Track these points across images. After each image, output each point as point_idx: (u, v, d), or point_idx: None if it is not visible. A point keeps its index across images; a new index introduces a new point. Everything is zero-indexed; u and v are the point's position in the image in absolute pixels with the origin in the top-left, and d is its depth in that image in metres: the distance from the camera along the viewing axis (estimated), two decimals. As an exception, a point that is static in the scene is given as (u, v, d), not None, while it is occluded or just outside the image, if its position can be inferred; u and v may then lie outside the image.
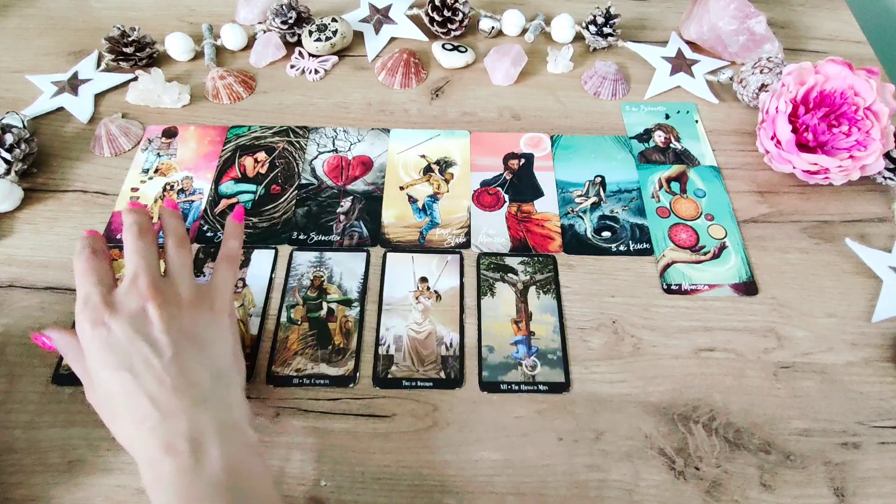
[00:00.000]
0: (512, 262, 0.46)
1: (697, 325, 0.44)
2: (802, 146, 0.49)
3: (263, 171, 0.52)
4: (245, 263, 0.46)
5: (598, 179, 0.52)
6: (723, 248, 0.48)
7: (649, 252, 0.47)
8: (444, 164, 0.53)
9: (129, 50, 0.59)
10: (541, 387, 0.40)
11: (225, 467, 0.30)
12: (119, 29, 0.58)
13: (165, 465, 0.30)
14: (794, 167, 0.49)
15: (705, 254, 0.47)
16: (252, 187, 0.51)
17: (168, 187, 0.51)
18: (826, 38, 0.66)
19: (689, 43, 0.64)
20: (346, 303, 0.44)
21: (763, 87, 0.55)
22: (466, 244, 0.48)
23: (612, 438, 0.39)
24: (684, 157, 0.54)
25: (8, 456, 0.37)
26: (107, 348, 0.32)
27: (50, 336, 0.36)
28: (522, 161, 0.53)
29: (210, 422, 0.31)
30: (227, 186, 0.51)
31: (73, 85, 0.58)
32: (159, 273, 0.36)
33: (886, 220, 0.50)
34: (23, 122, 0.52)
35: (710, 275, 0.46)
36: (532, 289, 0.45)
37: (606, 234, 0.48)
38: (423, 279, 0.46)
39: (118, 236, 0.47)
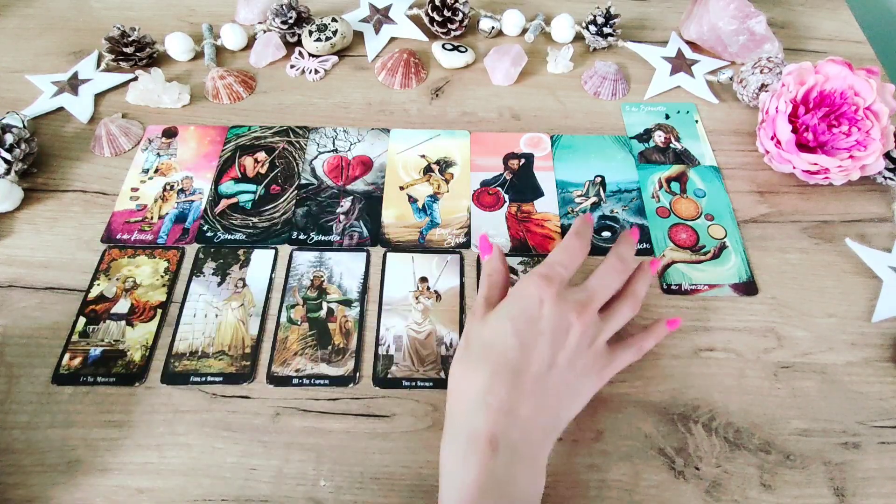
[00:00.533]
0: (512, 262, 0.46)
1: (697, 325, 0.44)
2: (802, 146, 0.49)
3: (263, 171, 0.52)
4: (245, 263, 0.46)
5: (598, 179, 0.52)
6: (723, 248, 0.48)
7: (649, 252, 0.47)
8: (444, 164, 0.53)
9: (129, 50, 0.59)
10: (541, 387, 0.40)
11: (519, 493, 0.31)
12: (119, 29, 0.58)
13: (479, 451, 0.30)
14: (794, 167, 0.49)
15: (705, 254, 0.47)
16: (252, 187, 0.51)
17: (168, 187, 0.51)
18: (826, 38, 0.66)
19: (689, 43, 0.64)
20: (346, 303, 0.44)
21: (763, 87, 0.55)
22: (466, 244, 0.48)
23: (612, 438, 0.38)
24: (684, 157, 0.54)
25: (7, 456, 0.37)
26: (526, 315, 0.34)
27: (496, 252, 0.39)
28: (522, 161, 0.53)
29: (527, 448, 0.32)
30: (227, 186, 0.51)
31: (73, 85, 0.58)
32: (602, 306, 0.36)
33: (886, 220, 0.50)
34: (23, 122, 0.52)
35: (710, 275, 0.46)
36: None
37: (606, 234, 0.48)
38: (423, 279, 0.46)
39: (117, 236, 0.47)
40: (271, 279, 0.46)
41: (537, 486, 0.32)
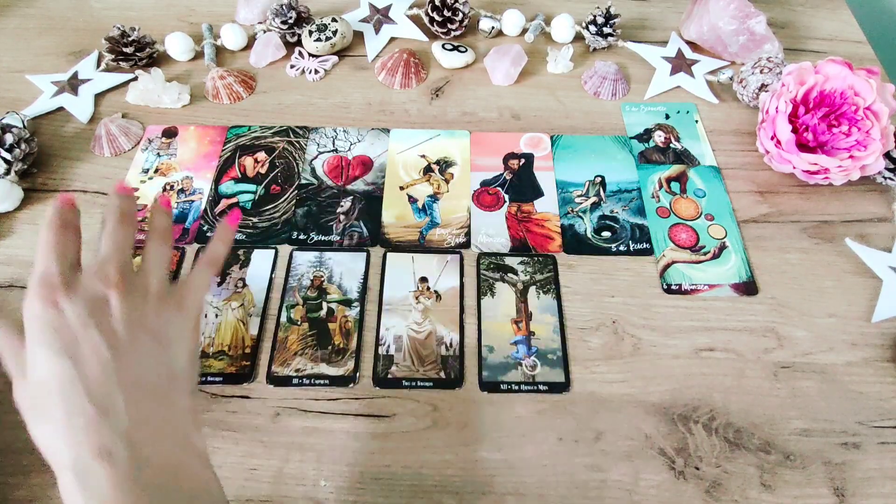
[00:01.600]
0: (512, 262, 0.46)
1: (697, 325, 0.44)
2: (802, 146, 0.49)
3: (263, 171, 0.52)
4: (245, 263, 0.46)
5: (598, 179, 0.52)
6: (723, 248, 0.48)
7: (649, 252, 0.47)
8: (444, 164, 0.53)
9: (129, 50, 0.58)
10: (541, 387, 0.40)
11: (164, 466, 0.27)
12: (119, 29, 0.58)
13: (98, 472, 0.26)
14: (794, 167, 0.49)
15: (705, 254, 0.47)
16: (252, 187, 0.51)
17: (168, 187, 0.51)
18: (826, 38, 0.66)
19: (689, 43, 0.64)
20: (346, 303, 0.44)
21: (763, 87, 0.55)
22: (466, 244, 0.48)
23: (612, 438, 0.38)
24: (684, 157, 0.54)
25: (7, 456, 0.37)
26: (52, 331, 0.28)
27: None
28: (522, 161, 0.53)
29: (155, 423, 0.28)
30: (227, 186, 0.51)
31: (73, 85, 0.58)
32: (131, 264, 0.32)
33: (886, 220, 0.50)
34: (23, 122, 0.52)
35: (710, 275, 0.46)
36: (532, 289, 0.45)
37: (606, 234, 0.48)
38: (423, 279, 0.46)
39: (118, 236, 0.47)
40: (271, 279, 0.45)
41: (196, 450, 0.29)
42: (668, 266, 0.47)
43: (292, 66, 0.61)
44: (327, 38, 0.61)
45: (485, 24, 0.64)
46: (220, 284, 0.45)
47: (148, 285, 0.32)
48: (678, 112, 0.58)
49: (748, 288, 0.45)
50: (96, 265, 0.31)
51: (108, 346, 0.29)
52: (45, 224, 0.32)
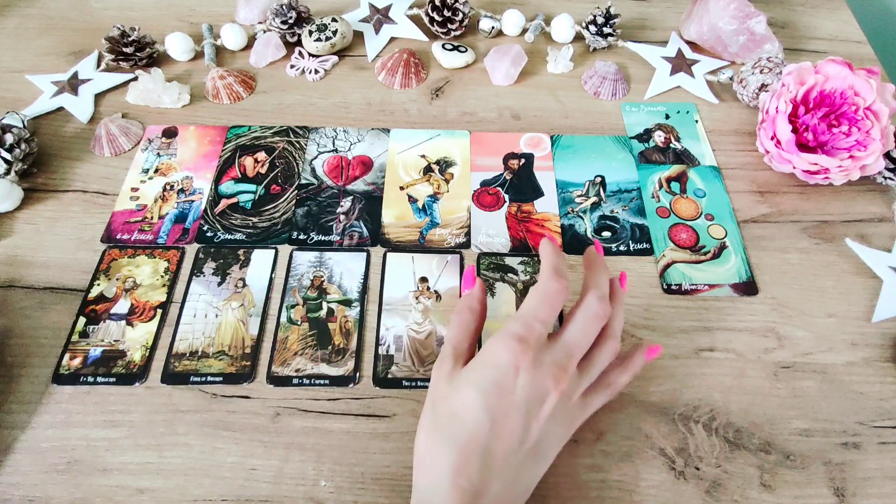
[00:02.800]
0: (512, 262, 0.46)
1: (697, 325, 0.44)
2: (802, 146, 0.49)
3: (263, 171, 0.52)
4: (245, 263, 0.46)
5: (598, 179, 0.52)
6: (723, 248, 0.48)
7: (649, 252, 0.47)
8: (444, 164, 0.53)
9: (129, 50, 0.58)
10: (541, 387, 0.40)
11: None
12: (119, 29, 0.58)
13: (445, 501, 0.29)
14: (794, 167, 0.49)
15: (705, 254, 0.47)
16: (252, 187, 0.51)
17: (168, 187, 0.51)
18: (826, 38, 0.66)
19: (689, 43, 0.64)
20: (346, 303, 0.44)
21: (763, 87, 0.55)
22: (466, 244, 0.48)
23: (612, 438, 0.38)
24: (684, 157, 0.54)
25: (7, 456, 0.37)
26: (497, 388, 0.30)
27: (476, 291, 0.36)
28: (522, 161, 0.53)
29: None
30: (227, 186, 0.51)
31: (73, 85, 0.58)
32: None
33: (886, 220, 0.50)
34: (23, 122, 0.52)
35: (710, 275, 0.46)
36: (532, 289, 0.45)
37: (606, 234, 0.48)
38: (423, 279, 0.46)
39: (117, 236, 0.47)
40: (271, 279, 0.45)
41: None
42: (668, 266, 0.47)
43: (292, 66, 0.61)
44: (327, 38, 0.61)
45: (485, 24, 0.64)
46: (220, 284, 0.45)
47: (574, 395, 0.33)
48: (678, 112, 0.58)
49: (748, 288, 0.45)
50: (561, 351, 0.32)
51: (520, 439, 0.30)
52: (552, 270, 0.33)
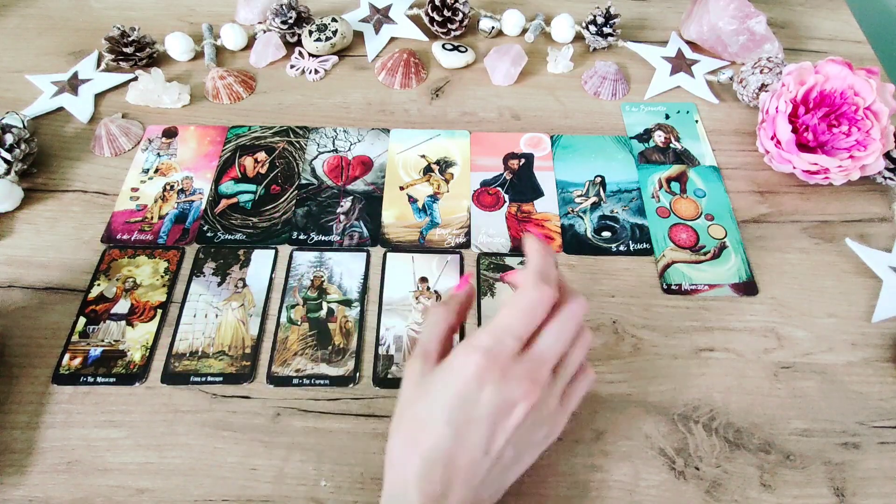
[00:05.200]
0: (512, 262, 0.46)
1: (697, 325, 0.44)
2: (802, 146, 0.49)
3: (263, 171, 0.52)
4: (245, 263, 0.46)
5: (598, 179, 0.52)
6: (723, 248, 0.48)
7: (649, 252, 0.47)
8: (444, 164, 0.53)
9: (129, 50, 0.59)
10: (541, 387, 0.40)
11: None
12: (119, 29, 0.58)
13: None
14: (794, 167, 0.49)
15: (705, 254, 0.47)
16: (252, 187, 0.51)
17: (168, 187, 0.51)
18: (826, 38, 0.66)
19: (689, 43, 0.64)
20: (346, 303, 0.44)
21: (763, 87, 0.55)
22: (466, 244, 0.48)
23: (612, 438, 0.38)
24: (684, 157, 0.54)
25: (7, 456, 0.37)
26: (462, 401, 0.29)
27: (462, 294, 0.35)
28: (522, 161, 0.53)
29: None
30: (227, 186, 0.51)
31: (73, 85, 0.58)
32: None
33: (886, 220, 0.50)
34: (23, 122, 0.52)
35: (710, 275, 0.46)
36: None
37: (606, 234, 0.48)
38: (423, 279, 0.46)
39: (117, 236, 0.48)
40: (271, 279, 0.45)
41: None
42: (668, 266, 0.47)
43: (292, 66, 0.61)
44: (327, 38, 0.61)
45: (485, 24, 0.64)
46: (220, 285, 0.45)
47: (549, 400, 0.31)
48: (678, 112, 0.58)
49: (748, 288, 0.45)
50: (533, 360, 0.30)
51: (483, 450, 0.30)
52: (538, 277, 0.31)
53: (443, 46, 0.62)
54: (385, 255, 0.47)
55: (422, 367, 0.32)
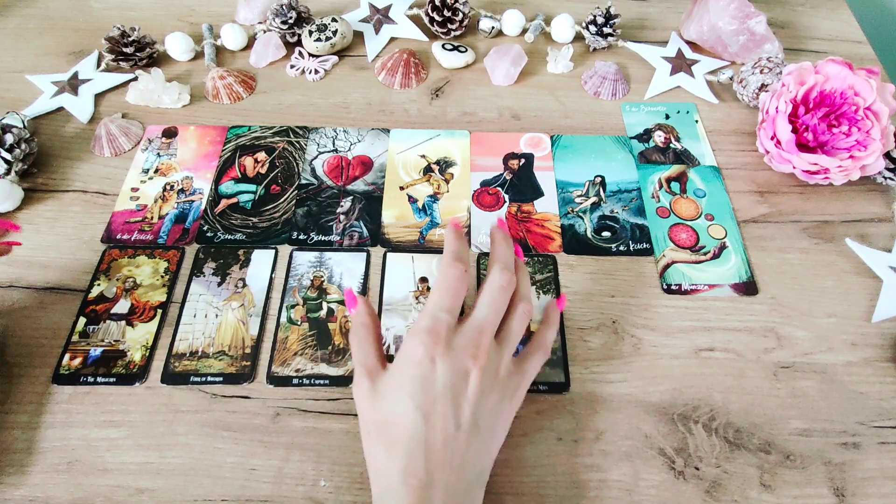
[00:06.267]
0: (512, 262, 0.46)
1: (697, 325, 0.44)
2: (802, 146, 0.49)
3: (263, 171, 0.52)
4: (245, 263, 0.46)
5: (598, 179, 0.52)
6: (723, 248, 0.48)
7: (649, 252, 0.47)
8: (444, 164, 0.53)
9: (129, 50, 0.59)
10: (540, 387, 0.40)
11: None
12: (119, 29, 0.58)
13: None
14: (794, 167, 0.49)
15: (705, 254, 0.47)
16: (252, 187, 0.51)
17: (168, 187, 0.51)
18: (826, 38, 0.66)
19: (689, 43, 0.64)
20: (346, 303, 0.44)
21: (763, 87, 0.55)
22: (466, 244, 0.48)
23: (611, 438, 0.38)
24: (684, 157, 0.54)
25: (7, 456, 0.37)
26: (420, 384, 0.31)
27: (361, 306, 0.36)
28: (522, 161, 0.53)
29: None
30: (227, 186, 0.51)
31: (73, 85, 0.58)
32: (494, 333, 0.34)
33: (886, 220, 0.50)
34: (23, 122, 0.52)
35: (710, 275, 0.46)
36: (532, 289, 0.45)
37: (606, 234, 0.48)
38: (423, 279, 0.46)
39: (117, 236, 0.48)
40: (271, 279, 0.46)
41: None
42: (668, 266, 0.47)
43: (292, 66, 0.61)
44: (327, 38, 0.61)
45: (485, 24, 0.64)
46: (220, 285, 0.45)
47: (500, 367, 0.34)
48: (678, 112, 0.58)
49: (748, 288, 0.45)
50: (472, 329, 0.33)
51: (455, 424, 0.31)
52: (450, 263, 0.34)
53: (443, 46, 0.62)
54: (385, 255, 0.47)
55: (369, 382, 0.33)
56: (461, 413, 0.31)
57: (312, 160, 0.53)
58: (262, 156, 0.53)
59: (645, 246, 0.48)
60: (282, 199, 0.50)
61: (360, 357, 0.35)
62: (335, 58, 0.62)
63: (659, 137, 0.55)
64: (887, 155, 0.50)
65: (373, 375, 0.34)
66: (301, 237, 0.48)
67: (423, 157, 0.54)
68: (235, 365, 0.41)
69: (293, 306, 0.44)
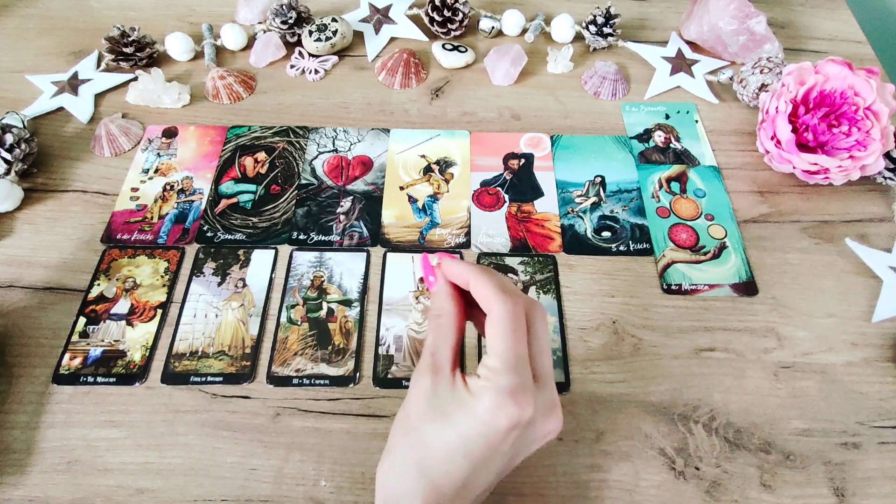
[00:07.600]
0: (512, 262, 0.46)
1: (697, 325, 0.44)
2: (802, 146, 0.49)
3: (263, 171, 0.52)
4: (245, 263, 0.46)
5: (598, 179, 0.52)
6: (723, 248, 0.48)
7: (649, 252, 0.47)
8: (444, 164, 0.53)
9: (129, 50, 0.58)
10: (541, 387, 0.40)
11: None
12: (119, 29, 0.58)
13: None
14: (794, 167, 0.49)
15: (705, 254, 0.47)
16: (252, 187, 0.51)
17: (168, 187, 0.51)
18: (826, 38, 0.66)
19: (689, 43, 0.64)
20: (346, 303, 0.44)
21: (763, 87, 0.55)
22: (466, 244, 0.48)
23: (612, 438, 0.38)
24: (684, 157, 0.54)
25: (7, 456, 0.37)
26: (488, 444, 0.27)
27: (441, 286, 0.32)
28: (522, 161, 0.53)
29: None
30: (227, 186, 0.51)
31: (73, 85, 0.58)
32: None
33: (886, 220, 0.50)
34: (23, 122, 0.52)
35: (710, 275, 0.46)
36: (532, 289, 0.45)
37: (606, 234, 0.48)
38: (423, 279, 0.46)
39: (117, 236, 0.48)
40: (271, 279, 0.45)
41: None
42: (668, 266, 0.47)
43: (292, 66, 0.61)
44: (327, 38, 0.61)
45: (485, 24, 0.64)
46: (220, 285, 0.45)
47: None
48: (678, 112, 0.58)
49: (748, 288, 0.45)
50: (550, 390, 0.29)
51: (498, 474, 0.30)
52: (505, 290, 0.29)
53: (443, 46, 0.62)
54: (385, 255, 0.47)
55: (433, 382, 0.29)
56: (512, 464, 0.30)
57: (312, 160, 0.53)
58: (262, 156, 0.53)
59: (645, 246, 0.48)
60: (282, 199, 0.50)
61: (431, 345, 0.30)
62: (335, 58, 0.62)
63: (659, 137, 0.55)
64: (887, 155, 0.50)
65: (437, 377, 0.29)
66: (301, 237, 0.48)
67: (423, 157, 0.54)
68: (235, 365, 0.41)
69: (293, 306, 0.44)
